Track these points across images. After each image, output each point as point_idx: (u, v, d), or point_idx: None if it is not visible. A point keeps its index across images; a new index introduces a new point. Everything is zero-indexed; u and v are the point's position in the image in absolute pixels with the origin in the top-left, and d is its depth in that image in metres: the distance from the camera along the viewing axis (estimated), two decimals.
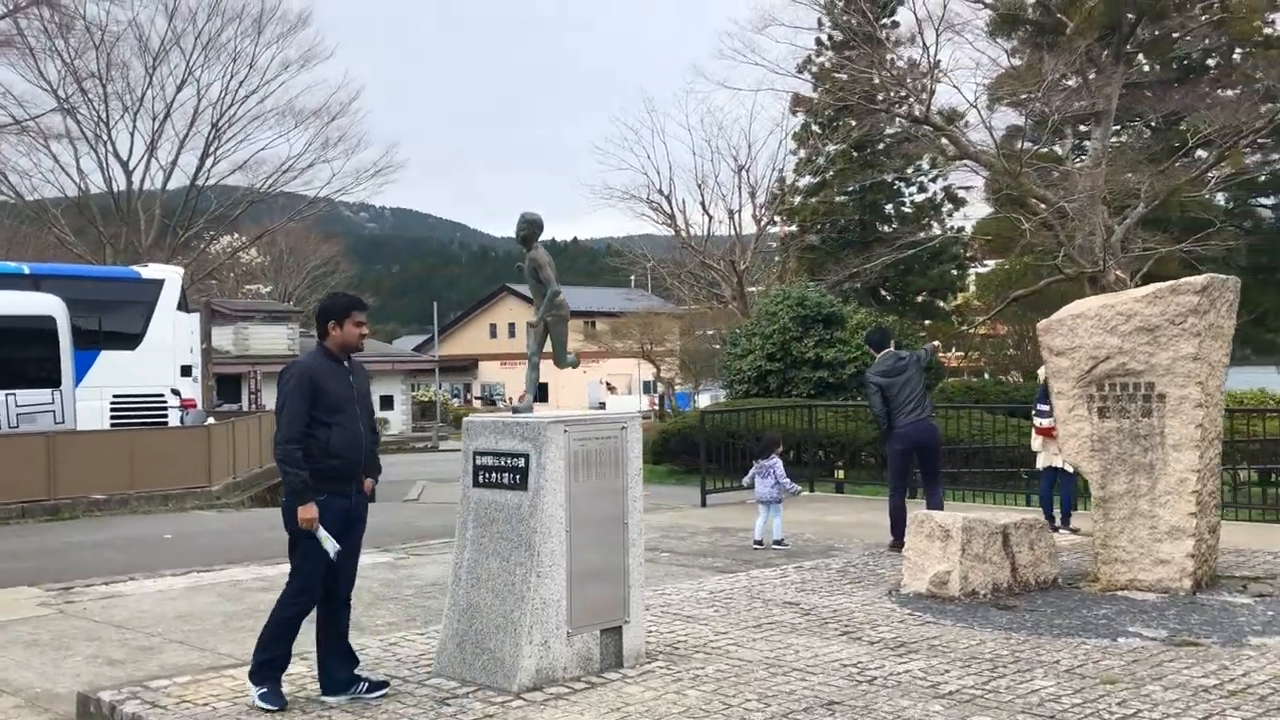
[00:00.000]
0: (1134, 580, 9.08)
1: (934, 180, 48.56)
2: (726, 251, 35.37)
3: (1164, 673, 6.61)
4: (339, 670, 6.46)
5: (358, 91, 77.44)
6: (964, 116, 32.56)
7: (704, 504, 16.35)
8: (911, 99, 30.30)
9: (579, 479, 6.70)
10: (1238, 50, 38.42)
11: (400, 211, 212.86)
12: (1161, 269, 32.74)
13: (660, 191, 34.49)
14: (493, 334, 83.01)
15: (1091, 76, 29.23)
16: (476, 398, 77.25)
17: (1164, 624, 7.87)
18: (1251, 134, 30.31)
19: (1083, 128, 34.55)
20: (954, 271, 47.01)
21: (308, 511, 6.15)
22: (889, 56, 35.94)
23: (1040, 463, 12.01)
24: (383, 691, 6.43)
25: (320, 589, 6.43)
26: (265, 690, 6.28)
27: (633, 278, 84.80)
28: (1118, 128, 31.44)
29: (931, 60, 28.57)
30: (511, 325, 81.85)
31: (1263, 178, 39.09)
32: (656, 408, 52.63)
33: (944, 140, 31.83)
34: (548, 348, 7.21)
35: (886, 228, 47.86)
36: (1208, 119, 32.95)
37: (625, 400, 72.11)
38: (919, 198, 48.53)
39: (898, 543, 11.38)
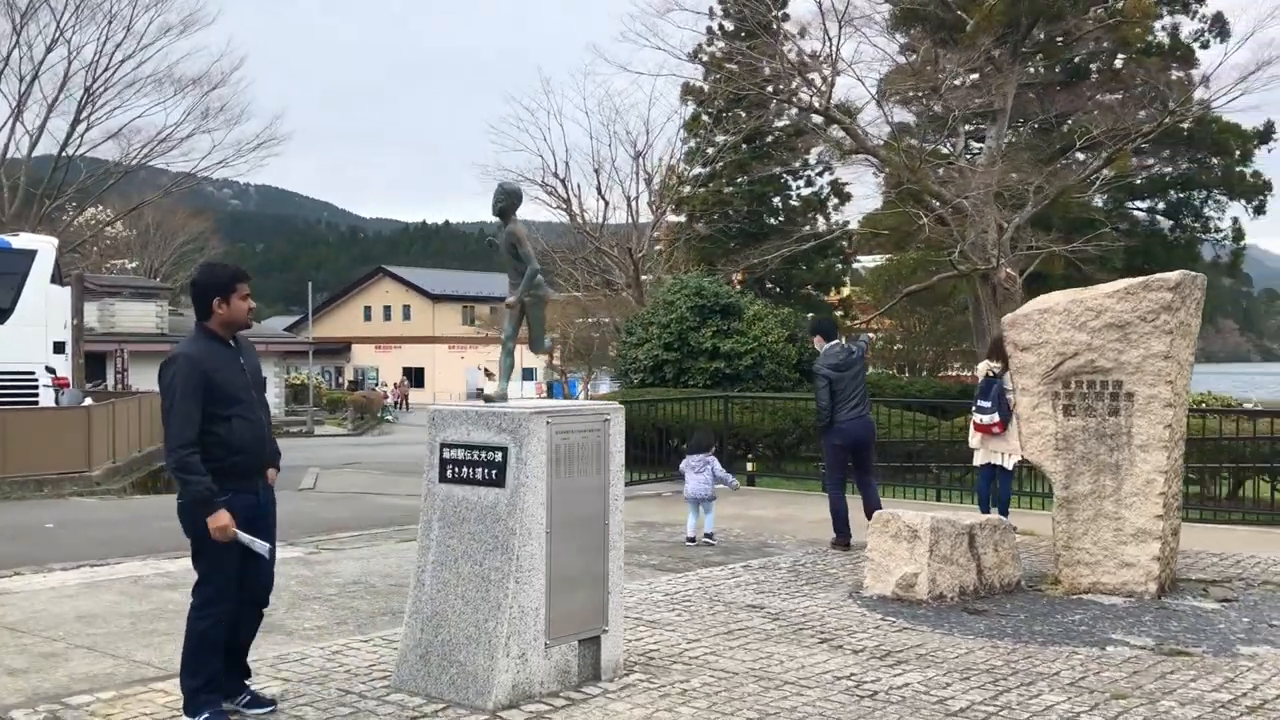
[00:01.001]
0: (1097, 583, 8.84)
1: (820, 174, 48.80)
2: (623, 239, 34.84)
3: (1171, 685, 6.31)
4: (228, 681, 5.78)
5: (240, 60, 74.85)
6: (860, 110, 32.60)
7: None
8: (809, 91, 30.13)
9: (560, 475, 6.12)
10: (1120, 56, 39.23)
11: (265, 189, 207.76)
12: (1046, 268, 33.29)
13: (555, 175, 33.86)
14: (367, 317, 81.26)
15: (989, 74, 29.45)
16: (350, 381, 75.48)
17: (1145, 631, 7.61)
18: (1139, 137, 30.89)
19: (970, 127, 34.85)
20: (838, 266, 47.22)
21: (219, 521, 5.45)
22: (782, 48, 35.82)
23: (978, 459, 11.76)
24: (267, 710, 5.79)
25: (234, 594, 5.73)
26: (207, 717, 5.57)
27: None
28: (1010, 128, 31.75)
29: (835, 52, 28.48)
30: (387, 308, 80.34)
31: (1139, 181, 39.98)
32: (545, 395, 51.79)
33: (841, 134, 31.76)
34: (523, 333, 6.62)
35: (774, 220, 47.94)
36: (1093, 122, 33.58)
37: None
38: (805, 191, 48.65)
39: (841, 540, 11.06)
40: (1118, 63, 39.43)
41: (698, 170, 46.01)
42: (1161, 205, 42.82)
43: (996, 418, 11.28)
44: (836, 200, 48.16)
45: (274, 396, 50.02)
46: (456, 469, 6.17)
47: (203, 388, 5.49)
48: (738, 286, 35.89)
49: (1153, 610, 8.25)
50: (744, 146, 45.01)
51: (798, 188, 48.90)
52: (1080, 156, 35.19)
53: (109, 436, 18.39)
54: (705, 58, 45.50)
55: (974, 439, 11.72)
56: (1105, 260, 34.50)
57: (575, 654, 6.28)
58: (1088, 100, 36.61)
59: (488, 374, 77.67)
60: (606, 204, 34.60)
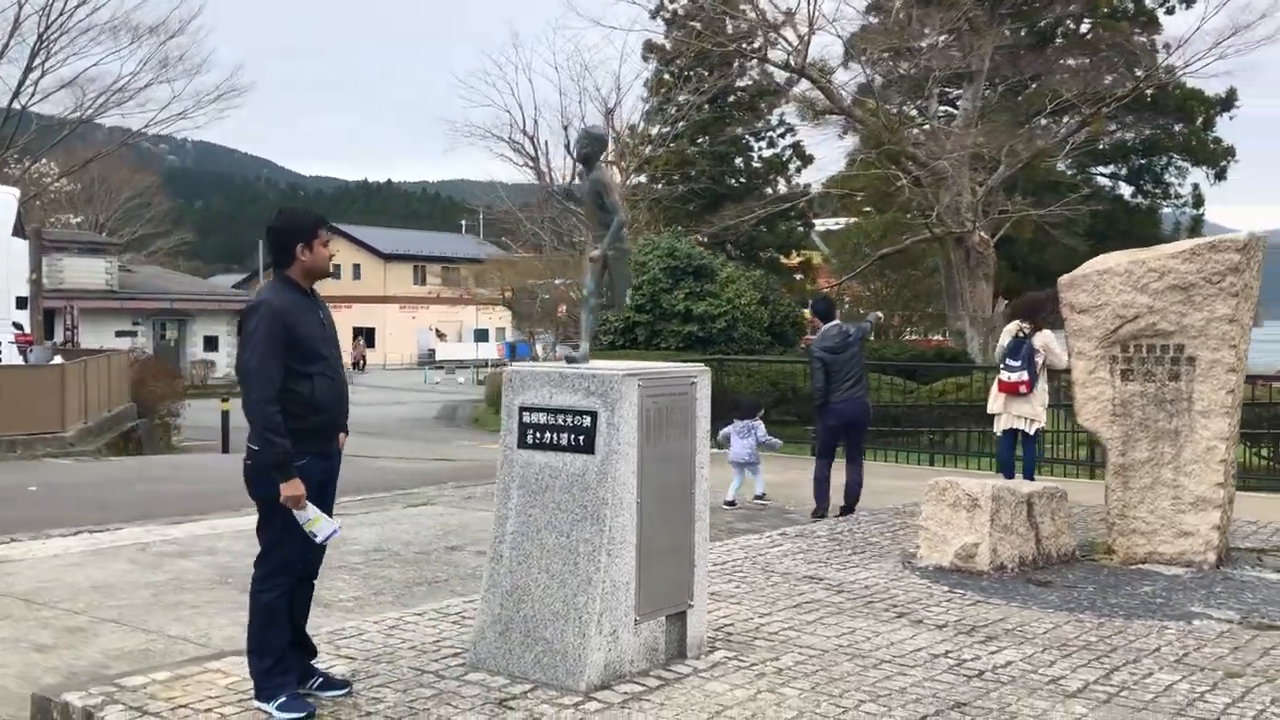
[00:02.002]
0: (1154, 553, 8.60)
1: (782, 136, 48.45)
2: None
3: (1275, 663, 6.05)
4: (295, 661, 5.34)
5: (199, 8, 72.76)
6: (835, 70, 32.20)
7: None
8: (785, 48, 29.66)
9: (649, 441, 5.72)
10: (1086, 20, 39.15)
11: (203, 145, 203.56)
12: (1015, 232, 33.22)
13: (523, 131, 33.16)
14: None
15: (966, 34, 29.16)
16: None
17: (1222, 604, 7.36)
18: (1114, 101, 30.79)
19: (943, 89, 34.57)
20: (799, 229, 46.96)
21: (294, 489, 5.01)
22: (743, 6, 35.31)
23: (1000, 425, 11.48)
24: (342, 691, 5.36)
25: (300, 564, 5.33)
26: (284, 701, 5.14)
27: (463, 223, 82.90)
28: (985, 91, 31.55)
29: (813, 7, 28.02)
30: (337, 267, 78.89)
31: (1103, 147, 40.00)
32: (505, 357, 51.14)
33: (815, 94, 31.34)
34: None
35: (735, 182, 47.58)
36: (1062, 85, 33.47)
37: (457, 348, 70.52)
38: (767, 153, 48.29)
39: (820, 510, 11.07)
40: (1084, 26, 39.40)
41: (659, 130, 45.49)
42: (1124, 171, 42.99)
43: (1025, 375, 11.03)
44: (799, 163, 47.89)
45: (227, 355, 49.07)
46: (538, 434, 5.75)
47: (285, 340, 5.05)
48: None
49: (1219, 581, 8.02)
50: (706, 107, 44.52)
51: (759, 149, 48.56)
52: (1045, 121, 35.14)
53: (81, 396, 17.68)
54: (667, 14, 44.96)
55: (996, 403, 11.44)
56: (1070, 225, 34.53)
57: (663, 630, 5.90)
58: (1055, 64, 36.50)
59: (439, 334, 77.00)
60: (575, 162, 33.91)
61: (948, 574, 8.04)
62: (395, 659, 5.95)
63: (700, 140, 45.63)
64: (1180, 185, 42.16)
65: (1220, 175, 40.44)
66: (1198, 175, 41.60)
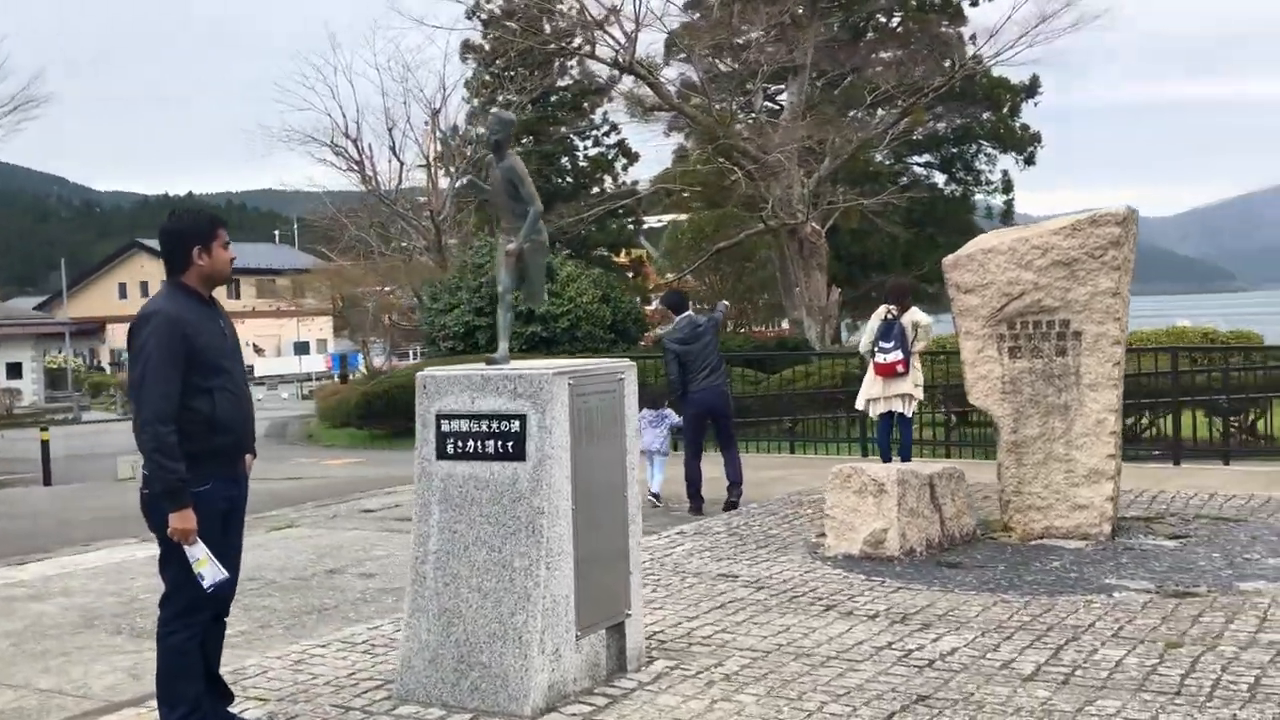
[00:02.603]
0: (1050, 527, 8.65)
1: (607, 135, 48.38)
2: (421, 202, 33.47)
3: (1212, 629, 6.07)
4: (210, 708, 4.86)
5: None
6: (662, 68, 32.18)
7: None
8: (611, 46, 29.49)
9: (581, 444, 5.38)
10: (896, 14, 40.15)
11: None
12: (842, 222, 33.80)
13: (346, 135, 32.14)
14: (123, 294, 76.42)
15: (789, 29, 29.49)
16: (110, 363, 70.93)
17: (1133, 574, 7.40)
18: (931, 92, 31.57)
19: (767, 85, 34.93)
20: (630, 226, 46.97)
21: (184, 520, 4.50)
22: (563, 4, 35.10)
23: (876, 409, 11.48)
24: None
25: (213, 604, 4.83)
26: None
27: (276, 233, 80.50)
28: (810, 84, 31.97)
29: (639, 5, 27.92)
30: (144, 284, 75.65)
31: (917, 136, 41.05)
32: (336, 369, 49.65)
33: (644, 91, 31.25)
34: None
35: (562, 182, 47.31)
36: (880, 78, 34.23)
37: (277, 363, 68.39)
38: (593, 152, 48.14)
39: (694, 506, 10.97)
40: (896, 20, 40.40)
41: (482, 131, 44.85)
42: (937, 160, 44.25)
43: (900, 355, 11.07)
44: (625, 160, 47.87)
45: (32, 382, 46.48)
46: (460, 442, 5.34)
47: (183, 353, 4.53)
48: None
49: (1120, 552, 8.09)
50: (530, 107, 44.14)
51: (585, 149, 48.36)
52: (862, 114, 35.89)
53: None
54: (484, 15, 44.43)
55: (874, 387, 11.42)
56: (891, 214, 35.35)
57: (604, 644, 5.57)
58: (869, 57, 37.32)
59: (257, 350, 74.52)
60: (402, 165, 33.13)
61: (859, 562, 7.90)
62: (313, 697, 5.47)
63: (525, 140, 45.19)
64: (991, 172, 43.64)
65: (1029, 161, 41.98)
66: (1007, 162, 43.12)
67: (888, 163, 41.37)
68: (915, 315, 11.57)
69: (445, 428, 5.38)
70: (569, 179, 48.11)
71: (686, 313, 10.90)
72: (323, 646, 6.40)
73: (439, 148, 34.33)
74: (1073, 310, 8.58)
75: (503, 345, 5.65)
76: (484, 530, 5.28)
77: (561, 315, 28.23)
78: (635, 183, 48.25)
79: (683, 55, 35.65)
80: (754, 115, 31.11)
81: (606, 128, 48.75)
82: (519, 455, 5.22)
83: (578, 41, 38.58)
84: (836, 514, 8.23)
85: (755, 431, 19.05)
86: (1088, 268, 8.50)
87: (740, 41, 30.33)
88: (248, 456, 4.95)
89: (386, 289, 35.20)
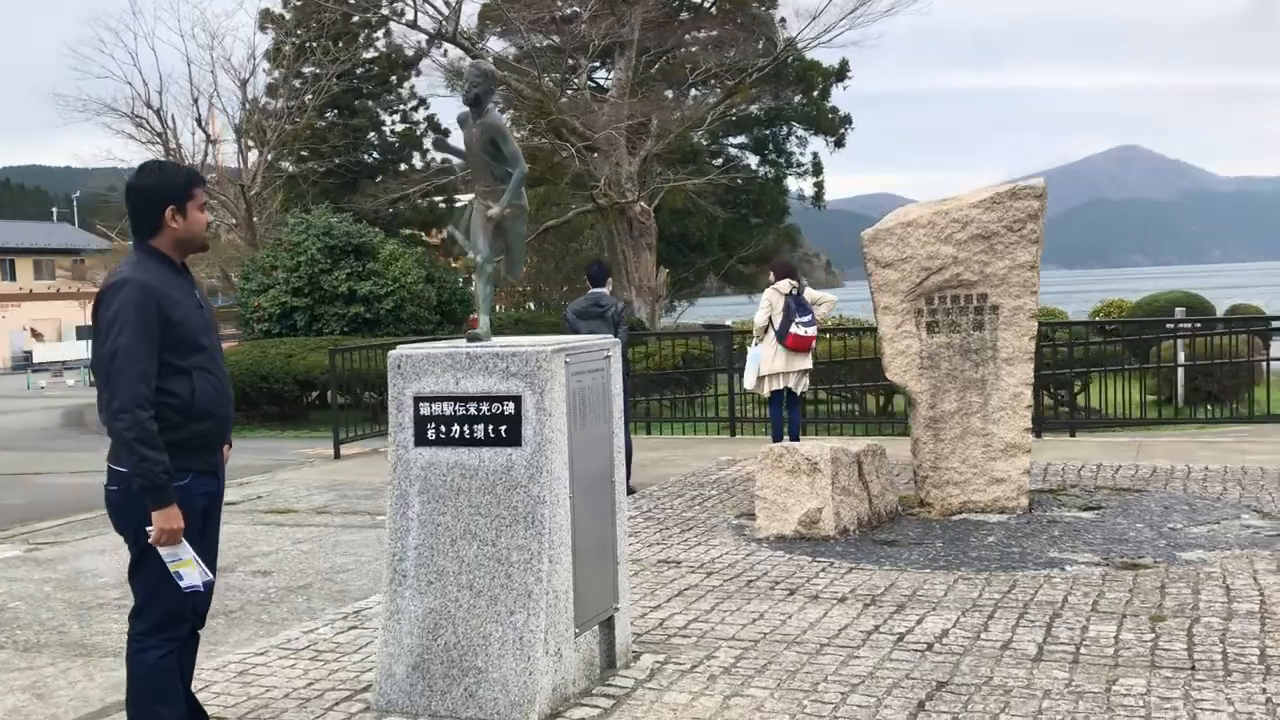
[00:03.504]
0: (968, 502, 8.62)
1: (415, 110, 47.25)
2: (230, 177, 31.81)
3: (1184, 601, 6.06)
4: None
5: None
6: (484, 39, 31.37)
7: (338, 455, 14.22)
8: (438, 16, 28.60)
9: (576, 426, 4.97)
10: None
11: None
12: (668, 201, 33.79)
13: (148, 105, 30.25)
14: None
15: (616, 4, 29.14)
16: None
17: (1071, 547, 7.40)
18: (755, 73, 31.76)
19: (594, 64, 34.55)
20: (442, 205, 45.93)
21: (171, 519, 3.96)
22: None
23: (769, 387, 11.31)
24: None
25: (191, 615, 4.28)
26: None
27: (54, 210, 75.97)
28: (636, 62, 31.70)
29: None
30: None
31: (733, 117, 41.40)
32: None
33: (468, 62, 30.43)
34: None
35: (369, 158, 46.00)
36: (699, 57, 34.31)
37: (59, 348, 64.52)
38: (400, 128, 46.92)
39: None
40: (706, 1, 40.59)
41: (284, 104, 43.19)
42: (750, 141, 44.73)
43: (815, 329, 11.02)
44: (436, 136, 46.77)
45: None
46: (443, 427, 4.85)
47: (161, 327, 3.94)
48: None
49: (1046, 525, 8.10)
50: (336, 80, 42.68)
51: (392, 124, 47.07)
52: (681, 92, 35.95)
53: None
54: None
55: (775, 362, 11.20)
56: (713, 195, 35.54)
57: (596, 641, 5.18)
58: (685, 37, 37.37)
59: (35, 334, 70.16)
60: (209, 138, 31.40)
61: (795, 543, 7.69)
62: (278, 713, 4.91)
63: (329, 114, 43.68)
64: (802, 154, 44.35)
65: (839, 143, 42.81)
66: (818, 144, 43.89)
67: (704, 143, 41.57)
68: (812, 292, 11.49)
69: (425, 411, 4.88)
70: (375, 155, 46.82)
71: (600, 288, 10.40)
72: (260, 655, 5.80)
73: (248, 119, 32.64)
74: (991, 284, 8.55)
75: (484, 320, 5.18)
76: (474, 522, 4.81)
77: (385, 296, 27.22)
78: (445, 160, 47.26)
79: (499, 29, 35.03)
80: (579, 91, 30.70)
81: (415, 102, 47.69)
82: (514, 440, 4.77)
83: (385, 11, 37.50)
84: (767, 494, 8.00)
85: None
86: (1007, 241, 8.49)
87: (565, 14, 29.85)
88: (225, 447, 4.37)
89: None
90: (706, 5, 40.90)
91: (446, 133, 47.06)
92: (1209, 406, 17.08)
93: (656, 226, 30.18)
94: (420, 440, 4.89)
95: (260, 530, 9.60)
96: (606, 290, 10.54)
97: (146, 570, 4.07)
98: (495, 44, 33.55)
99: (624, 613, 5.40)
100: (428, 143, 47.57)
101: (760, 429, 14.77)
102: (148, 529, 3.97)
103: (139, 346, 3.88)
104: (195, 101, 30.88)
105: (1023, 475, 8.58)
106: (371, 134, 46.26)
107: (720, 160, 42.08)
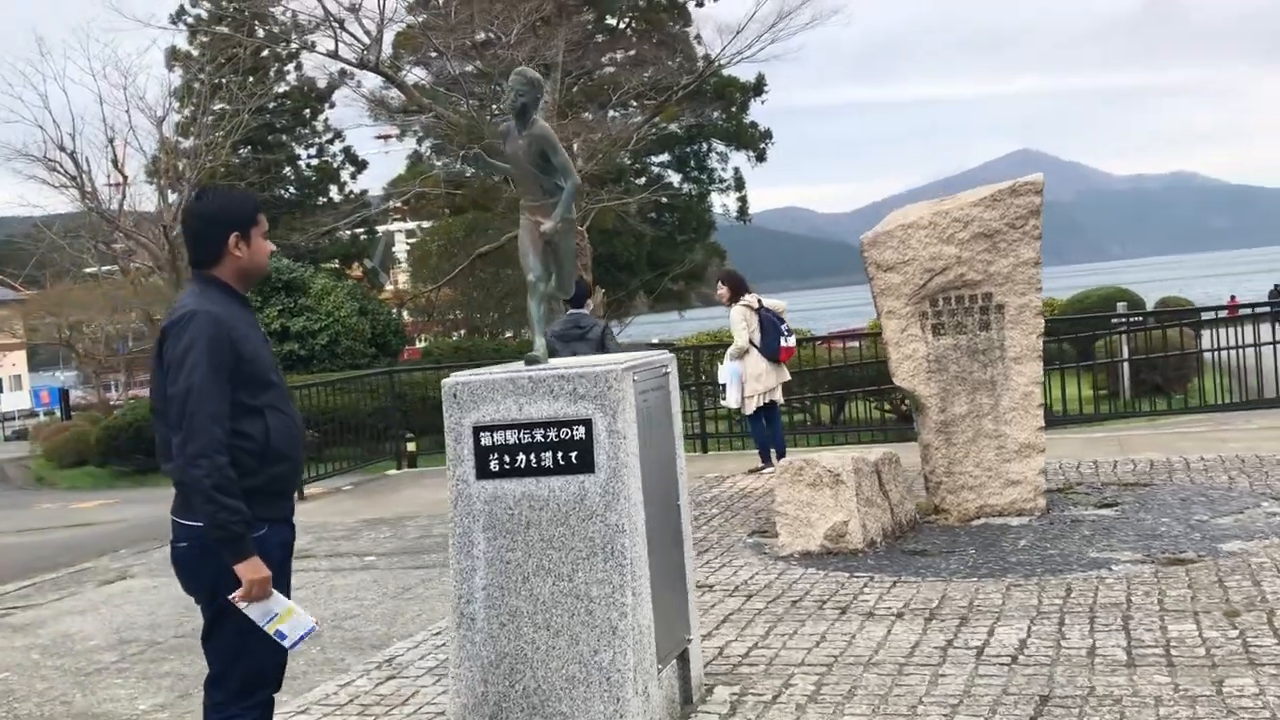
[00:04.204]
0: (984, 506, 8.44)
1: (331, 143, 46.59)
2: (156, 219, 30.88)
3: (1249, 594, 5.91)
4: None
5: None
6: (403, 69, 30.89)
7: (303, 495, 13.71)
8: (351, 46, 28.08)
9: (645, 447, 4.67)
10: (630, 14, 40.31)
11: None
12: (597, 223, 33.57)
13: (60, 148, 29.27)
14: None
15: (539, 28, 28.88)
16: None
17: (1109, 546, 7.23)
18: (680, 90, 31.69)
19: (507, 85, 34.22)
20: (363, 237, 45.26)
21: (257, 570, 3.61)
22: (275, 8, 33.44)
23: (752, 406, 11.07)
24: None
25: (274, 677, 3.93)
26: None
27: None
28: (561, 84, 31.40)
29: (383, 5, 26.67)
30: None
31: (654, 134, 41.35)
32: (56, 405, 45.38)
33: (393, 92, 29.97)
34: None
35: (285, 193, 45.23)
36: (621, 77, 34.22)
37: None
38: (316, 161, 46.23)
39: None
40: (631, 20, 40.56)
41: (195, 142, 42.30)
42: (672, 159, 44.70)
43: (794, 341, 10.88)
44: (353, 169, 46.22)
45: None
46: (507, 457, 4.53)
47: (234, 364, 3.59)
48: None
49: (1070, 524, 7.94)
50: (249, 116, 41.88)
51: (308, 158, 46.34)
52: (606, 112, 35.79)
53: None
54: (190, 19, 42.10)
55: (769, 377, 10.97)
56: (640, 214, 35.41)
57: (675, 675, 4.88)
58: (601, 58, 37.27)
59: None
60: (125, 179, 30.50)
61: (824, 559, 7.44)
62: None
63: (243, 151, 42.85)
64: (724, 170, 44.43)
65: (760, 158, 42.97)
66: (739, 159, 43.99)
67: (629, 162, 41.46)
68: (769, 301, 11.31)
69: (486, 441, 4.55)
70: (293, 189, 46.06)
71: (579, 309, 10.06)
72: (302, 713, 5.41)
73: (165, 159, 31.82)
74: (995, 283, 8.40)
75: (539, 341, 4.86)
76: (547, 557, 4.49)
77: (320, 331, 26.69)
78: (365, 192, 46.64)
79: (413, 57, 34.59)
80: (505, 115, 30.32)
81: (330, 135, 47.01)
82: (586, 467, 4.46)
83: (295, 45, 36.93)
84: (789, 510, 7.74)
85: None
86: (1009, 239, 8.35)
87: (486, 38, 29.48)
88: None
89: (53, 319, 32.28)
90: (622, 26, 40.91)
91: (364, 165, 46.60)
92: (1154, 398, 17.21)
93: (591, 248, 29.91)
94: (483, 473, 4.56)
95: None
96: (587, 310, 10.23)
97: (225, 632, 3.71)
98: (417, 73, 33.09)
99: (696, 643, 5.11)
100: (345, 175, 46.99)
101: (731, 444, 14.58)
102: (224, 590, 3.61)
103: (212, 385, 3.54)
104: (110, 142, 29.93)
105: (1038, 476, 8.42)
106: (287, 169, 45.49)
107: (644, 179, 42.00)
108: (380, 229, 48.96)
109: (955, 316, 8.47)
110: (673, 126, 41.53)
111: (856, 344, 18.25)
